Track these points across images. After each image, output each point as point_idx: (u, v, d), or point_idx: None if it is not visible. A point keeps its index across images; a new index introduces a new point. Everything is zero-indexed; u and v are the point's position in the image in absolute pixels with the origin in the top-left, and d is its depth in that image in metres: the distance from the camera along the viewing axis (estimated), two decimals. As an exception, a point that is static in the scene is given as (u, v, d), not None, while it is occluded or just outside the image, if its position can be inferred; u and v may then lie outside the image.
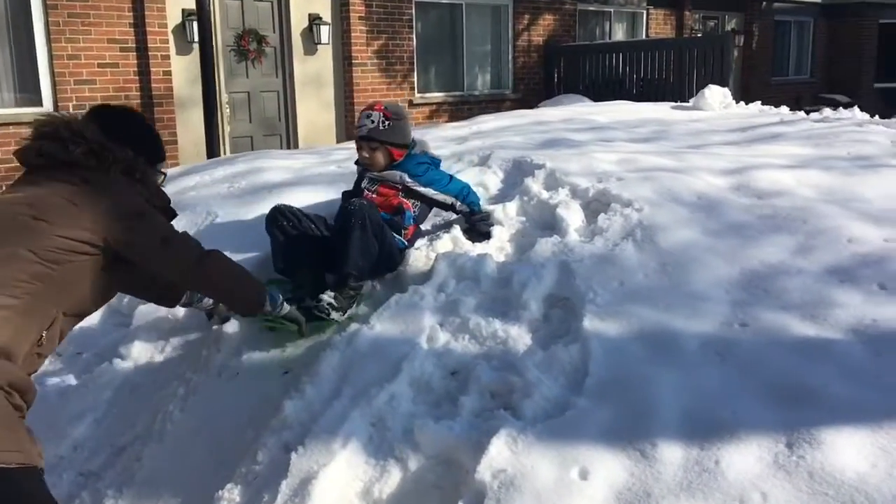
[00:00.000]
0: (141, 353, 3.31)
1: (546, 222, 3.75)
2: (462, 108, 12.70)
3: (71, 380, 3.29)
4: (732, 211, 3.65)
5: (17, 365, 2.23)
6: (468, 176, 4.30)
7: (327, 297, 3.24)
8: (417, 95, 12.35)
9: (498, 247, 3.61)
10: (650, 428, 2.42)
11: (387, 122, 3.64)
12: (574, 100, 11.48)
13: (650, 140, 5.43)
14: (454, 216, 3.96)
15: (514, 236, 3.73)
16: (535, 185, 3.98)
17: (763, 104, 8.01)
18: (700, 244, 3.37)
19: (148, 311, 3.48)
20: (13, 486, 2.11)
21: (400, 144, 3.73)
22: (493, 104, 12.85)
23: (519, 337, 2.99)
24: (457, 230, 3.76)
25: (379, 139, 3.66)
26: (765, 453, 2.27)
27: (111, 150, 2.52)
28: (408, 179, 3.71)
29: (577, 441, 2.42)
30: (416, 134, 4.15)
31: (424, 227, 3.90)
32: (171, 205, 2.86)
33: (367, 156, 3.71)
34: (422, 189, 3.74)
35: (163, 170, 2.84)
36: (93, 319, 3.50)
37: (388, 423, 2.68)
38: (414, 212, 3.73)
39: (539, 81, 13.71)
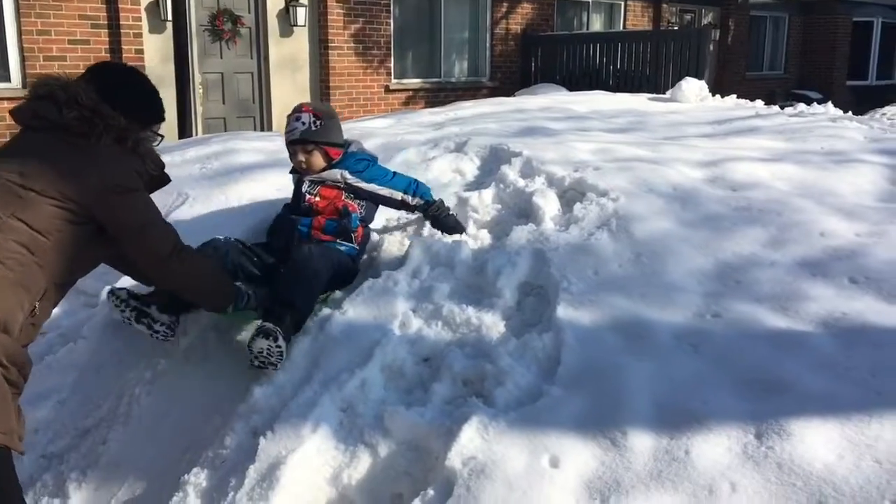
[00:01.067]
0: (106, 334, 3.25)
1: (522, 210, 3.73)
2: (439, 95, 12.65)
3: (36, 361, 3.22)
4: (707, 202, 3.66)
5: (13, 338, 2.23)
6: (444, 162, 4.27)
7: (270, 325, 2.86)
8: (394, 81, 12.28)
9: (473, 234, 3.58)
10: (621, 417, 2.42)
11: (318, 122, 3.43)
12: (551, 89, 11.48)
13: (627, 131, 5.43)
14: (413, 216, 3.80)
15: (489, 224, 3.70)
16: (511, 172, 3.96)
17: (738, 98, 8.05)
18: (675, 235, 3.37)
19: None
20: None
21: (335, 143, 3.53)
22: (469, 92, 12.82)
23: (492, 324, 2.97)
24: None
25: (313, 140, 3.45)
26: (734, 444, 2.27)
27: (103, 117, 2.47)
28: (349, 176, 3.50)
29: (549, 429, 2.41)
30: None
31: (392, 218, 3.84)
32: (165, 170, 2.81)
33: (303, 160, 3.48)
34: (365, 185, 3.52)
35: (159, 132, 2.78)
36: (58, 299, 3.43)
37: (358, 409, 2.66)
38: (360, 212, 3.50)
39: (516, 70, 13.69)
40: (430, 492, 2.31)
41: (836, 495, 2.07)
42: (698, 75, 10.05)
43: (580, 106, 6.58)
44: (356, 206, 3.49)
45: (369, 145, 4.72)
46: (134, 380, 3.04)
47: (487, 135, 4.78)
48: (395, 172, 3.68)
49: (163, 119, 2.79)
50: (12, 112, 2.54)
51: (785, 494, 2.10)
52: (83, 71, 2.66)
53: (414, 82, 12.60)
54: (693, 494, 2.14)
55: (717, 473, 2.18)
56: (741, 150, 4.53)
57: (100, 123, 2.46)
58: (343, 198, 3.48)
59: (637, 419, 2.40)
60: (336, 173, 3.49)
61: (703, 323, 2.85)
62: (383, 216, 3.73)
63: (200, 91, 10.28)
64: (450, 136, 4.74)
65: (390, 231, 3.68)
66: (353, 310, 3.08)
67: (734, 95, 8.00)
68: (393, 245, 3.51)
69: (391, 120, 6.00)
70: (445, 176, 4.14)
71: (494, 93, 12.36)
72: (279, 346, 2.79)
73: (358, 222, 3.47)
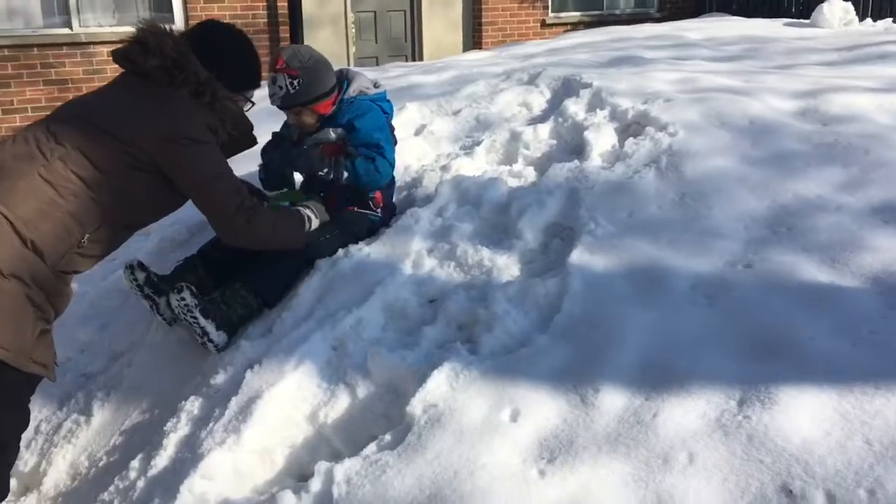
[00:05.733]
0: (152, 263, 3.37)
1: (577, 146, 3.48)
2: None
3: (89, 285, 3.42)
4: (785, 138, 3.24)
5: (45, 262, 2.29)
6: (511, 95, 4.05)
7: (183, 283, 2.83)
8: (551, 15, 11.81)
9: (518, 171, 3.38)
10: (600, 372, 2.22)
11: (295, 82, 3.00)
12: (718, 19, 10.60)
13: (735, 59, 4.91)
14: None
15: (538, 160, 3.48)
16: (572, 105, 3.69)
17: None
18: (731, 174, 3.01)
19: (166, 223, 3.54)
20: None
21: (322, 96, 3.09)
22: (634, 24, 12.12)
23: (505, 267, 2.80)
24: (479, 153, 3.56)
25: (295, 104, 3.07)
26: (711, 409, 2.02)
27: (183, 70, 2.47)
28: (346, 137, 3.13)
29: (520, 380, 2.25)
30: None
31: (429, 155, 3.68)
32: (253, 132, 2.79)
33: (293, 122, 3.18)
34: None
35: (251, 97, 2.75)
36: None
37: (349, 349, 2.60)
38: None
39: (688, -1, 12.77)
40: (387, 437, 2.23)
41: (804, 477, 1.79)
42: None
43: (696, 33, 6.01)
44: None
45: (443, 78, 4.60)
46: (162, 308, 3.15)
47: (569, 66, 4.47)
48: (381, 144, 3.09)
49: (255, 86, 2.76)
50: (112, 52, 2.59)
51: (746, 471, 1.84)
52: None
53: (573, 15, 12.06)
54: (645, 462, 1.92)
55: (677, 441, 1.95)
56: (855, 78, 3.95)
57: (179, 75, 2.46)
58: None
59: (616, 375, 2.20)
60: (331, 134, 3.14)
61: (730, 273, 2.54)
62: (415, 153, 3.59)
63: (353, 31, 10.40)
64: (527, 68, 4.48)
65: (430, 168, 3.53)
66: (370, 247, 3.01)
67: (890, 19, 6.98)
68: (431, 182, 3.38)
69: (493, 52, 5.79)
70: (510, 109, 3.92)
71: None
72: (183, 298, 2.77)
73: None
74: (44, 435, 2.93)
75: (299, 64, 3.02)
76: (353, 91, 3.16)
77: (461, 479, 1.99)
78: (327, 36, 9.60)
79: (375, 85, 3.22)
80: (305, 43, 9.64)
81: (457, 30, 11.26)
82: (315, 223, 3.00)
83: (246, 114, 2.74)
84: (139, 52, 2.47)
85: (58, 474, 2.78)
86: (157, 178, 2.47)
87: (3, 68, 8.22)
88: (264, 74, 2.80)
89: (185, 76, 2.45)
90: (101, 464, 2.73)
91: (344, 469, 2.12)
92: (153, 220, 2.74)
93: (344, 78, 3.19)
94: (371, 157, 3.06)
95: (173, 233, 3.55)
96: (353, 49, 10.42)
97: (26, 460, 2.84)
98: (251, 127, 2.72)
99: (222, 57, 2.58)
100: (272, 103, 3.10)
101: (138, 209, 2.52)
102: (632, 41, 5.68)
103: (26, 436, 2.96)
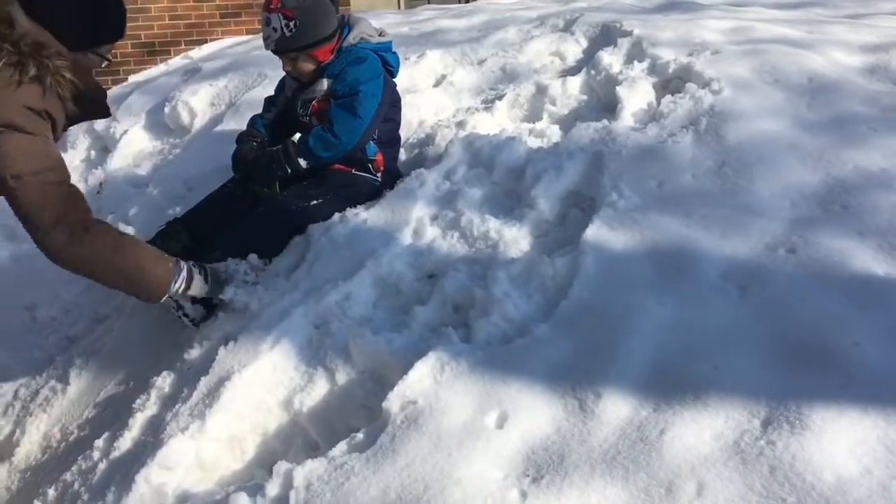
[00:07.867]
0: (143, 226, 3.15)
1: (610, 102, 3.10)
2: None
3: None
4: (849, 99, 2.82)
5: None
6: (542, 44, 3.67)
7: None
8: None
9: (541, 129, 3.04)
10: (605, 373, 1.91)
11: (291, 24, 2.69)
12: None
13: (801, 6, 4.42)
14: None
15: (565, 118, 3.13)
16: (607, 56, 3.30)
17: None
18: (781, 140, 2.62)
19: (161, 176, 3.31)
20: None
21: (320, 41, 2.77)
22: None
23: (513, 241, 2.49)
24: (500, 109, 3.21)
25: (291, 49, 2.77)
26: (729, 429, 1.70)
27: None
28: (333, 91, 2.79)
29: (511, 378, 1.96)
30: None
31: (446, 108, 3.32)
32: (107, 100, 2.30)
33: (290, 69, 2.87)
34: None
35: (106, 54, 2.29)
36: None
37: (332, 327, 2.34)
38: (373, 136, 2.85)
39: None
40: (360, 436, 1.97)
41: (835, 526, 1.46)
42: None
43: (761, -25, 5.49)
44: None
45: (472, 23, 4.23)
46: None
47: (612, 10, 4.05)
48: (359, 95, 2.72)
49: (111, 39, 2.27)
50: None
51: (766, 510, 1.52)
52: None
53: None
54: (645, 490, 1.63)
55: (685, 467, 1.64)
56: (939, 30, 3.47)
57: None
58: None
59: (622, 379, 1.89)
60: (324, 86, 2.82)
61: (769, 259, 2.18)
62: (433, 107, 3.25)
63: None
64: (564, 13, 4.07)
65: (445, 124, 3.20)
66: (368, 212, 2.72)
67: None
68: (444, 140, 3.06)
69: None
70: (540, 60, 3.55)
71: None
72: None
73: (375, 148, 2.87)
74: (21, 401, 2.77)
75: (296, 3, 2.69)
76: (353, 38, 2.83)
77: (431, 496, 1.72)
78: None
79: (381, 34, 2.88)
80: (352, -17, 9.26)
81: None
82: (197, 286, 2.47)
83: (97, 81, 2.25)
84: None
85: (30, 446, 2.61)
86: None
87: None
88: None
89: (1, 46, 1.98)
90: (71, 438, 2.55)
91: (305, 472, 1.87)
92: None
93: (345, 24, 2.85)
94: (330, 123, 2.72)
95: (170, 188, 3.30)
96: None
97: (1, 427, 2.70)
98: (103, 95, 2.24)
99: (59, 8, 2.10)
100: (266, 47, 2.80)
101: None
102: (688, -17, 5.19)
103: (4, 401, 2.81)
